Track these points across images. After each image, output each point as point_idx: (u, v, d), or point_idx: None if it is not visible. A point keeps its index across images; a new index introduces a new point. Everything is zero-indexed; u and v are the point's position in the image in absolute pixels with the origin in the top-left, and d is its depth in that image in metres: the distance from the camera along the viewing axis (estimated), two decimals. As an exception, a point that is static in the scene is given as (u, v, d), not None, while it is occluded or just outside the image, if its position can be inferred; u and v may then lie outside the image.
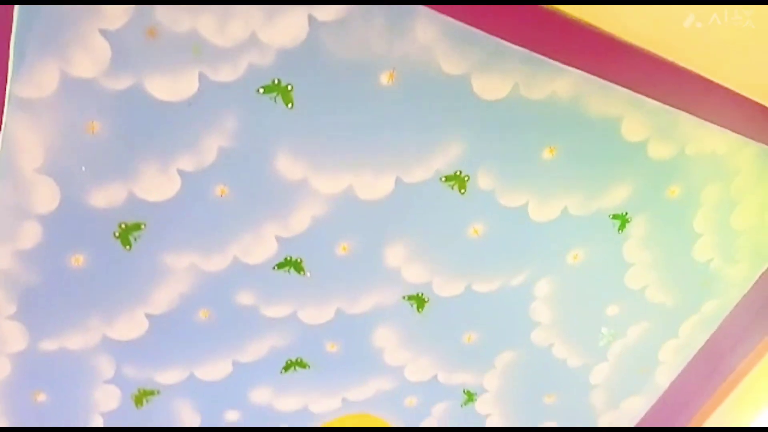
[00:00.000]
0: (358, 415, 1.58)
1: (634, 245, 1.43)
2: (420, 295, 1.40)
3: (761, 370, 1.63)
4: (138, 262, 1.22)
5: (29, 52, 0.98)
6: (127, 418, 1.42)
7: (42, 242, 1.16)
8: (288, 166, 1.16)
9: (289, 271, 1.29)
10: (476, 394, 1.62)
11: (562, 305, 1.49)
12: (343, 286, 1.35)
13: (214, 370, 1.41)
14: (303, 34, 1.03)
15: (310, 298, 1.35)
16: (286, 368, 1.45)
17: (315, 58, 1.06)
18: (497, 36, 1.08)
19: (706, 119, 1.27)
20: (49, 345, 1.29)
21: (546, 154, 1.25)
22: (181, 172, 1.13)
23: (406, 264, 1.34)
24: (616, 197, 1.34)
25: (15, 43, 0.97)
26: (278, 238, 1.24)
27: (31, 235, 1.15)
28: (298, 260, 1.29)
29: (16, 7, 0.94)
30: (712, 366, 1.67)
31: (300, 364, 1.45)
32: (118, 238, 1.18)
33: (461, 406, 1.63)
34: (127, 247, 1.20)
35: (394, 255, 1.32)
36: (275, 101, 1.09)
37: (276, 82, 1.07)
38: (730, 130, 1.30)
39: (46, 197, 1.11)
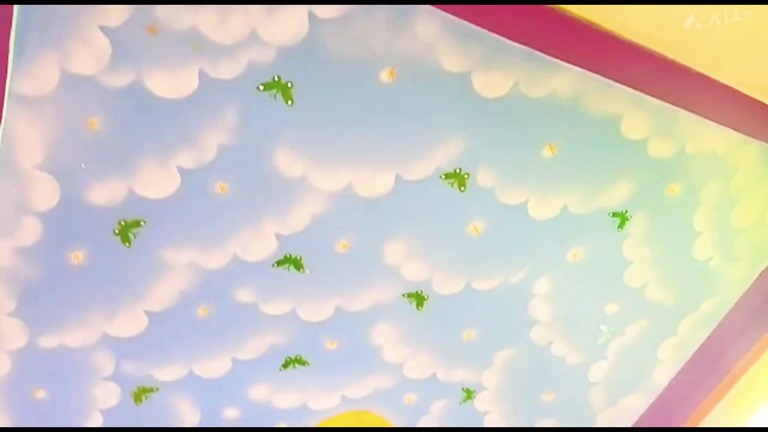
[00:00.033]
0: (357, 413, 1.59)
1: (633, 243, 1.43)
2: (419, 292, 1.40)
3: (760, 367, 1.64)
4: (138, 259, 1.22)
5: (29, 48, 0.97)
6: (126, 414, 1.42)
7: (42, 239, 1.15)
8: (288, 164, 1.16)
9: (288, 269, 1.29)
10: (475, 391, 1.62)
11: (562, 303, 1.49)
12: (343, 284, 1.35)
13: (214, 367, 1.42)
14: (303, 31, 1.03)
15: (309, 296, 1.35)
16: (286, 365, 1.45)
17: (315, 55, 1.06)
18: (498, 34, 1.08)
19: (706, 117, 1.27)
20: (48, 342, 1.29)
21: (546, 152, 1.24)
22: (181, 169, 1.13)
23: (405, 261, 1.34)
24: (616, 195, 1.34)
25: (15, 39, 0.97)
26: (278, 236, 1.24)
27: (30, 231, 1.14)
28: (298, 257, 1.29)
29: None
30: (711, 364, 1.67)
31: (299, 361, 1.45)
32: (117, 234, 1.18)
33: (460, 403, 1.63)
34: (127, 243, 1.20)
35: (394, 252, 1.32)
36: (275, 98, 1.09)
37: (276, 79, 1.07)
38: (731, 128, 1.30)
39: (45, 194, 1.11)
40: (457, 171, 1.23)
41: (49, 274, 1.20)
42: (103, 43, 0.99)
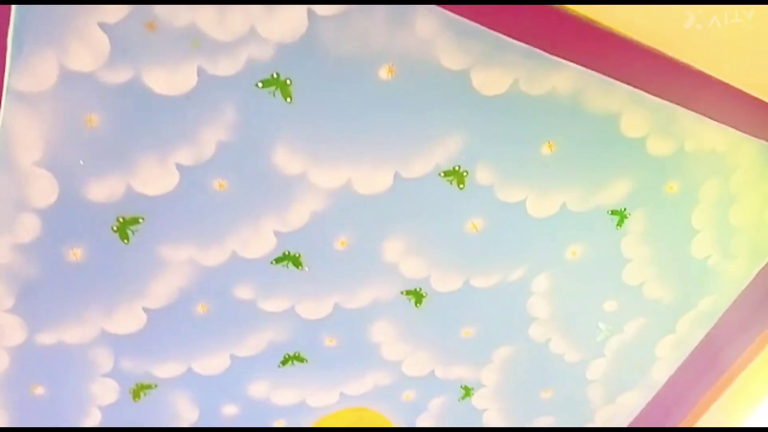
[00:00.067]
0: (356, 409, 1.59)
1: (632, 241, 1.43)
2: (418, 290, 1.40)
3: (758, 365, 1.64)
4: (136, 255, 1.22)
5: (28, 45, 0.97)
6: (124, 411, 1.42)
7: (40, 236, 1.15)
8: (287, 161, 1.16)
9: (287, 266, 1.29)
10: (473, 388, 1.62)
11: (560, 300, 1.49)
12: (342, 281, 1.35)
13: (212, 364, 1.42)
14: (302, 28, 1.03)
15: (308, 293, 1.35)
16: (284, 362, 1.45)
17: (314, 52, 1.05)
18: (497, 31, 1.08)
19: (705, 115, 1.27)
20: (47, 338, 1.29)
21: (545, 150, 1.24)
22: (179, 166, 1.13)
23: (404, 259, 1.34)
24: (615, 193, 1.34)
25: (13, 35, 0.96)
26: (277, 233, 1.24)
27: (29, 228, 1.14)
28: (297, 255, 1.28)
29: None
30: (710, 362, 1.68)
31: (298, 358, 1.45)
32: (116, 231, 1.18)
33: (458, 400, 1.64)
34: (125, 240, 1.19)
35: (393, 250, 1.32)
36: (274, 95, 1.09)
37: (275, 76, 1.07)
38: (730, 126, 1.30)
39: (44, 191, 1.11)
40: (456, 168, 1.23)
41: (47, 271, 1.20)
42: (102, 40, 0.99)
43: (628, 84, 1.19)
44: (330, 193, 1.21)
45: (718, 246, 1.48)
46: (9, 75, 0.99)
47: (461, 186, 1.25)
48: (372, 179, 1.21)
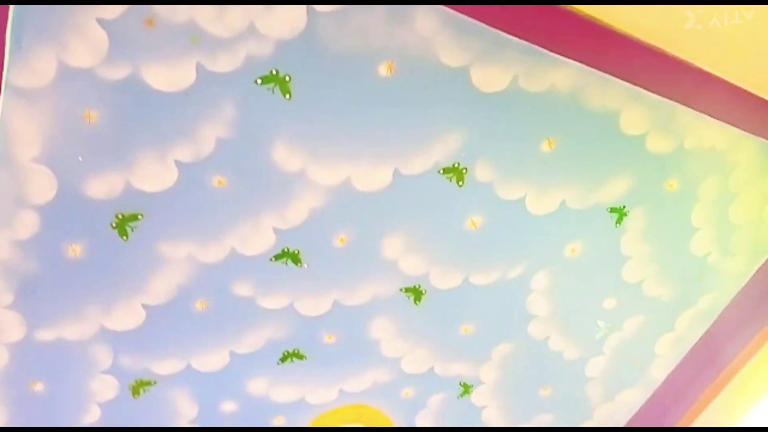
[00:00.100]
0: (355, 407, 1.59)
1: (631, 238, 1.43)
2: (417, 287, 1.40)
3: (758, 362, 1.64)
4: (135, 252, 1.22)
5: (26, 41, 0.97)
6: (124, 408, 1.42)
7: (39, 232, 1.15)
8: (286, 157, 1.16)
9: (286, 263, 1.29)
10: (472, 386, 1.62)
11: (560, 298, 1.49)
12: (341, 278, 1.35)
13: (211, 360, 1.42)
14: (302, 24, 1.03)
15: (307, 290, 1.35)
16: (283, 359, 1.45)
17: (313, 48, 1.05)
18: (497, 28, 1.08)
19: (705, 113, 1.27)
20: (46, 335, 1.29)
21: (545, 147, 1.24)
22: (178, 163, 1.13)
23: (403, 256, 1.34)
24: (615, 190, 1.34)
25: (12, 31, 0.96)
26: (276, 230, 1.24)
27: (28, 224, 1.14)
28: (296, 252, 1.28)
29: (13, -5, 0.94)
30: (709, 359, 1.68)
31: (297, 355, 1.45)
32: (115, 228, 1.18)
33: (457, 397, 1.64)
34: (124, 237, 1.19)
35: (392, 247, 1.32)
36: (273, 92, 1.09)
37: (274, 72, 1.07)
38: (730, 124, 1.29)
39: (43, 187, 1.11)
40: (456, 165, 1.23)
41: (46, 268, 1.20)
42: (101, 36, 0.98)
43: (628, 81, 1.19)
44: (329, 190, 1.21)
45: (717, 243, 1.48)
46: (8, 71, 0.99)
47: (461, 183, 1.25)
48: (371, 176, 1.21)
